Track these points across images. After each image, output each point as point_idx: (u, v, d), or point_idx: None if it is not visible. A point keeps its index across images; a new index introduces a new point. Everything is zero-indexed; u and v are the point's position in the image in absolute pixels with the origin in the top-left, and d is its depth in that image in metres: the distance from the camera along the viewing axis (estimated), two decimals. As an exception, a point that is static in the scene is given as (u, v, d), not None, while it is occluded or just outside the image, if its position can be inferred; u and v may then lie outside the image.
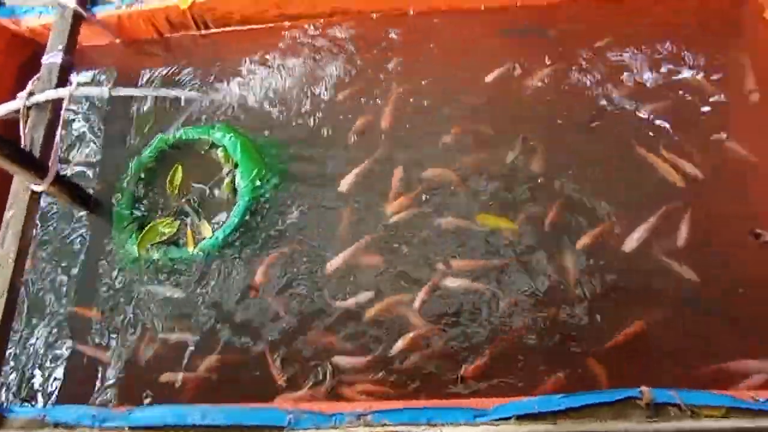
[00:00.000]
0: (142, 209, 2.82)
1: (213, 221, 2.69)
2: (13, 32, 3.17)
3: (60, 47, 2.83)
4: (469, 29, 2.88)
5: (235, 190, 2.71)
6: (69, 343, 2.61)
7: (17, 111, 2.71)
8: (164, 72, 3.22)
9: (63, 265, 2.81)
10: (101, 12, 3.06)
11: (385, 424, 1.86)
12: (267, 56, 3.02)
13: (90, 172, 3.06)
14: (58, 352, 2.61)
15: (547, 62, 2.74)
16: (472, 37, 2.88)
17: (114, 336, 2.59)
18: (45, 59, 2.81)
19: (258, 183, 2.67)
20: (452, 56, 2.86)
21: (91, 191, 2.92)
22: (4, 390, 2.52)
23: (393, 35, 2.96)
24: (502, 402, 1.84)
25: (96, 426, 2.11)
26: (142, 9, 3.04)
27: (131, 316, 2.60)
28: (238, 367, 2.40)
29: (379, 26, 2.99)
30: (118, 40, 3.22)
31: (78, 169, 3.09)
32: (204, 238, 2.64)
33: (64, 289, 2.73)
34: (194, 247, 2.62)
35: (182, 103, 3.00)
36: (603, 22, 2.82)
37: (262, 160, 2.75)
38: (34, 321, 2.69)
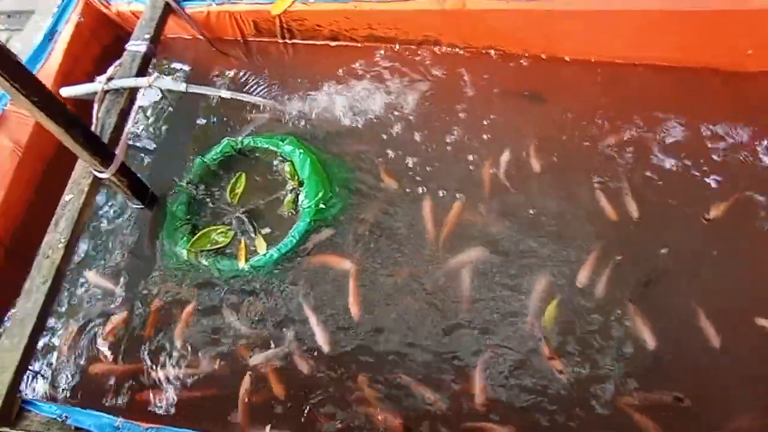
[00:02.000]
0: (198, 212, 2.73)
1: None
2: (102, 14, 3.16)
3: (146, 36, 2.79)
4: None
5: (296, 209, 2.59)
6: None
7: (93, 93, 2.68)
8: (240, 75, 3.15)
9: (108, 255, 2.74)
10: (191, 6, 3.02)
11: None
12: (349, 75, 2.91)
13: (149, 165, 3.00)
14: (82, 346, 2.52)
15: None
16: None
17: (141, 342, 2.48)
18: (129, 46, 2.77)
19: (322, 206, 2.54)
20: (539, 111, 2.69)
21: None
22: (30, 381, 2.42)
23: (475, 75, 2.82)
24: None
25: (118, 438, 1.99)
26: (232, 9, 2.99)
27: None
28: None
29: (467, 62, 2.85)
30: (201, 37, 3.17)
31: (137, 160, 3.03)
32: (257, 254, 2.51)
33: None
34: (245, 262, 2.50)
35: (261, 110, 2.91)
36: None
37: (329, 182, 2.62)
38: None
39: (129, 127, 2.58)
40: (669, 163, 2.44)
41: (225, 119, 3.01)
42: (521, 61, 2.80)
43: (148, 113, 3.17)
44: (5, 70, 1.88)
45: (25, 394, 2.24)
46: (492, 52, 2.83)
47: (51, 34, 2.93)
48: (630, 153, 2.48)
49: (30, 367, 2.32)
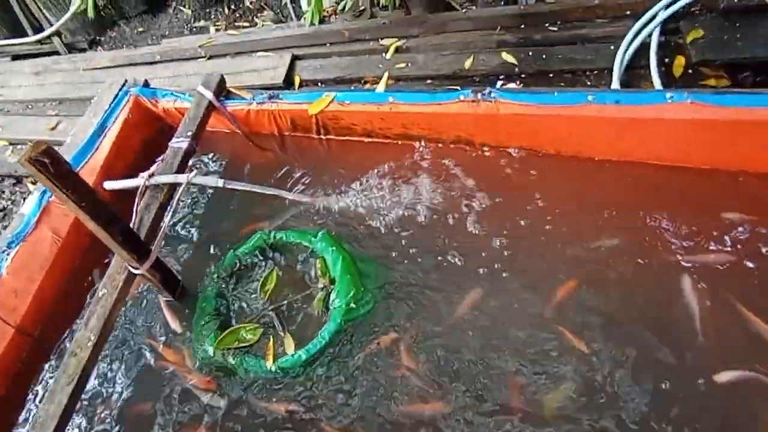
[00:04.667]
0: (227, 308, 2.70)
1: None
2: (149, 110, 3.34)
3: (189, 133, 2.91)
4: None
5: (327, 308, 2.55)
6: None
7: (134, 187, 2.76)
8: (275, 168, 3.23)
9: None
10: (232, 105, 3.17)
11: None
12: (382, 172, 2.96)
13: (180, 256, 3.02)
14: None
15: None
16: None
17: None
18: (173, 143, 2.89)
19: (353, 306, 2.49)
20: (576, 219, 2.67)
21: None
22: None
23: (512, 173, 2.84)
24: None
25: None
26: (272, 108, 3.12)
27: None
28: None
29: (499, 162, 2.89)
30: (239, 131, 3.30)
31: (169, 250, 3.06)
32: (285, 354, 2.45)
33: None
34: (273, 362, 2.43)
35: (294, 204, 2.96)
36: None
37: (361, 281, 2.59)
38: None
39: (166, 223, 2.63)
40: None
41: (258, 212, 3.06)
42: (553, 162, 2.83)
43: (183, 203, 3.24)
44: (55, 177, 1.95)
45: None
46: (524, 153, 2.86)
47: (101, 130, 3.09)
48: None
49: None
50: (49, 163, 1.88)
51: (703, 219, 2.49)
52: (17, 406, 2.60)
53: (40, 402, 2.55)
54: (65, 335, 2.80)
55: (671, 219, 2.52)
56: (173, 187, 2.75)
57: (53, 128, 4.49)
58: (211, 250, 2.95)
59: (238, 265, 2.79)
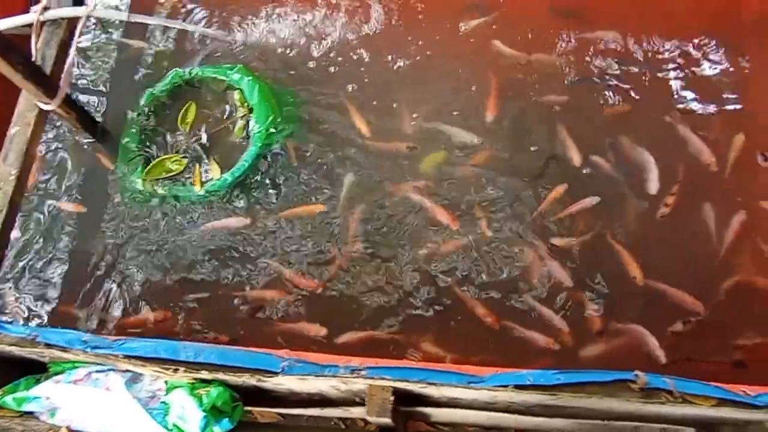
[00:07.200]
0: (150, 143, 2.76)
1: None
2: (32, -57, 3.03)
3: (80, -37, 2.71)
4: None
5: (247, 135, 2.66)
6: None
7: (30, 26, 2.62)
8: (182, 4, 3.10)
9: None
10: (126, -68, 2.93)
11: (379, 379, 1.88)
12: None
13: (97, 99, 2.98)
14: (51, 273, 2.60)
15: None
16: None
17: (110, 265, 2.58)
18: (63, -27, 2.69)
19: (272, 130, 2.62)
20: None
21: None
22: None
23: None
24: (496, 371, 1.87)
25: (87, 350, 2.10)
26: (169, -65, 2.92)
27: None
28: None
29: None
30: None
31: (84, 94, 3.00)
32: (211, 179, 2.60)
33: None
34: (201, 187, 2.58)
35: (206, 39, 2.91)
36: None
37: (278, 107, 2.69)
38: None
39: (71, 58, 2.55)
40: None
41: (172, 50, 2.99)
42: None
43: (92, 50, 3.11)
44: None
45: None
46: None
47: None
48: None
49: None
50: None
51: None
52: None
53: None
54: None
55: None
56: (73, 22, 2.63)
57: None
58: (129, 92, 2.92)
59: (156, 103, 2.80)
